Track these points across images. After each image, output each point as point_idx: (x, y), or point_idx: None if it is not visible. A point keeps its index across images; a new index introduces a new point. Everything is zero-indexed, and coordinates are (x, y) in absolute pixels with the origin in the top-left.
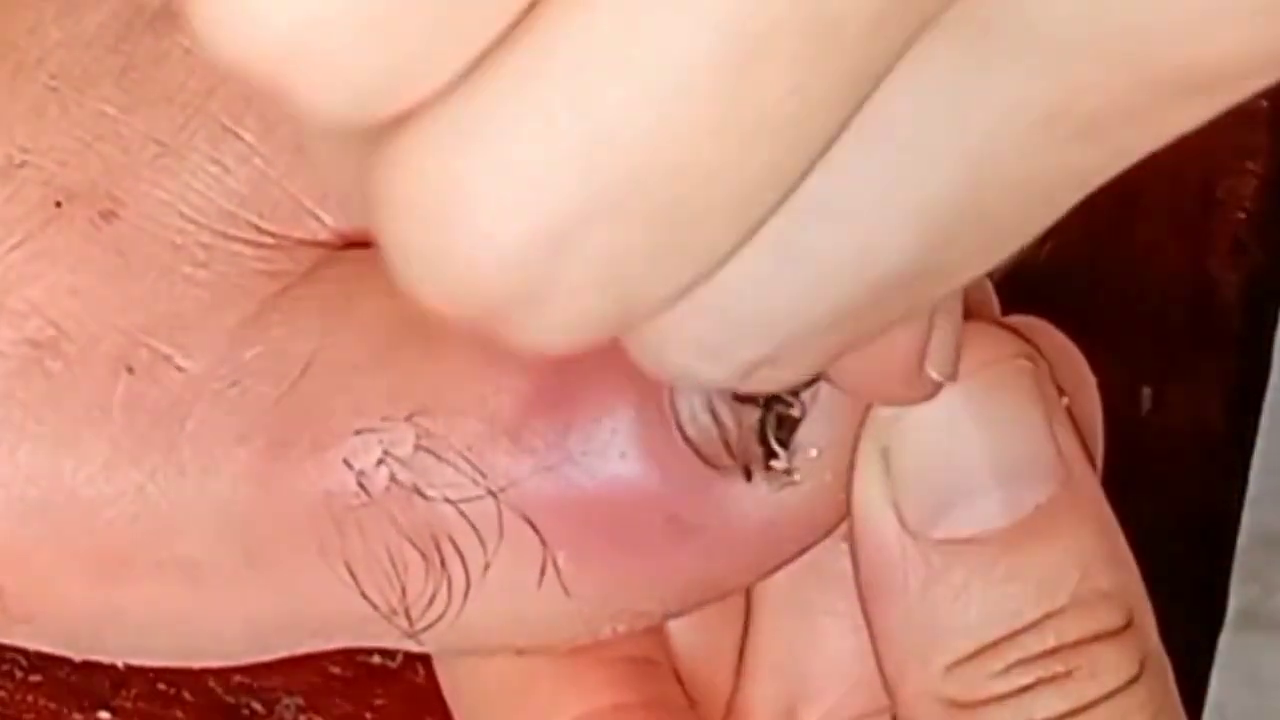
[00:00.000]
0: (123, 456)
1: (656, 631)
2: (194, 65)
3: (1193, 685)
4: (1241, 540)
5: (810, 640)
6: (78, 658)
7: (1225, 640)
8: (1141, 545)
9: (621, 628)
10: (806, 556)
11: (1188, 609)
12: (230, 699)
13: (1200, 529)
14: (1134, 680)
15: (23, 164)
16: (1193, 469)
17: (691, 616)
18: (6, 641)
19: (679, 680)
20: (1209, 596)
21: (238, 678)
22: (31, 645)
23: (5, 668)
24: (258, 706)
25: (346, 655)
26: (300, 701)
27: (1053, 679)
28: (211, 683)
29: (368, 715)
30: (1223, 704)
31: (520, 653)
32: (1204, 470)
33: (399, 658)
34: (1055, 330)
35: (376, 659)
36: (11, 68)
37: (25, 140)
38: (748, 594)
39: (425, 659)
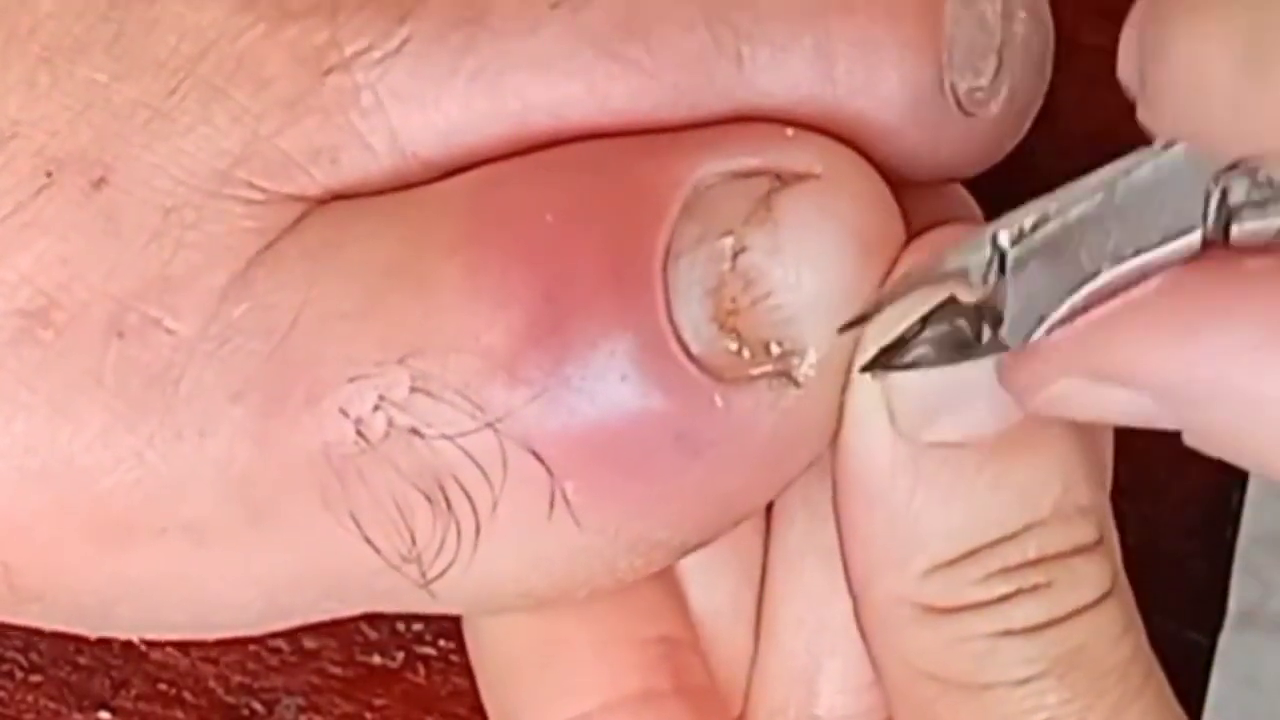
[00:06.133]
0: (119, 422)
1: (680, 608)
2: (186, 29)
3: (1193, 685)
4: (1241, 540)
5: (828, 587)
6: (93, 636)
7: (1225, 640)
8: (1142, 545)
9: (639, 562)
10: (821, 496)
11: (1188, 609)
12: (230, 699)
13: (1200, 529)
14: (1107, 595)
15: (14, 135)
16: (1193, 469)
17: (711, 575)
18: (19, 622)
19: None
20: (1209, 596)
21: (238, 678)
22: (45, 625)
23: (5, 668)
24: (258, 706)
25: (346, 655)
26: (300, 701)
27: (1034, 589)
28: (211, 683)
29: (368, 715)
30: (1223, 704)
31: (540, 602)
32: (1204, 470)
33: (399, 658)
34: None
35: (376, 659)
36: (3, 39)
37: (16, 112)
38: (766, 549)
39: (425, 659)
